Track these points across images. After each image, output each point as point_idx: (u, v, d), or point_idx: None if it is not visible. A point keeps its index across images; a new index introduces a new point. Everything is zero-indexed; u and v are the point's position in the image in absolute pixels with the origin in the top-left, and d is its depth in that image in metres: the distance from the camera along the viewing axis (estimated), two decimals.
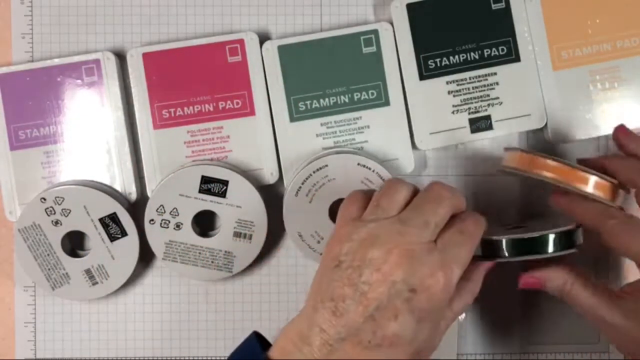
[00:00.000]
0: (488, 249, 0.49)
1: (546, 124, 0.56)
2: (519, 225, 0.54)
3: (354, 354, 0.43)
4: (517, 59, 0.56)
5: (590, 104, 0.57)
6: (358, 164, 0.54)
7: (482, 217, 0.47)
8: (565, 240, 0.49)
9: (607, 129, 0.56)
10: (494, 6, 0.56)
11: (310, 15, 0.58)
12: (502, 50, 0.56)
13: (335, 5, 0.58)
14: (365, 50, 0.56)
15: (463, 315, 0.58)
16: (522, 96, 0.56)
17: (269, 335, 0.57)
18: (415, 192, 0.47)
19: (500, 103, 0.57)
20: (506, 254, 0.49)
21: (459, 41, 0.56)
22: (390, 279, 0.43)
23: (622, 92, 0.57)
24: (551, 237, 0.48)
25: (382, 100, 0.56)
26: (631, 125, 0.56)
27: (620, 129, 0.52)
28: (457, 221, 0.46)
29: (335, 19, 0.58)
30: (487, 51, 0.56)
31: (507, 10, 0.56)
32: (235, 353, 0.47)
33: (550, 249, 0.48)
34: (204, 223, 0.57)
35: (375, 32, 0.56)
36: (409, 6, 0.56)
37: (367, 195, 0.48)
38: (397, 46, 0.57)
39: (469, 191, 0.58)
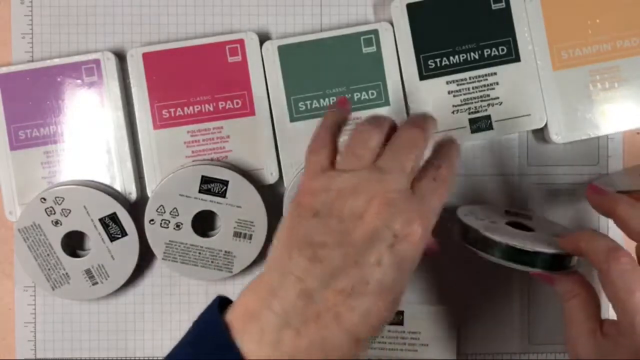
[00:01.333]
0: (481, 243, 0.49)
1: (546, 124, 0.56)
2: (521, 213, 0.54)
3: (336, 304, 0.40)
4: (517, 59, 0.56)
5: (590, 104, 0.57)
6: None
7: (455, 153, 0.46)
8: (559, 262, 0.49)
9: (607, 129, 0.56)
10: (494, 6, 0.56)
11: (310, 15, 0.58)
12: (502, 50, 0.56)
13: (335, 5, 0.58)
14: (365, 50, 0.56)
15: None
16: (522, 96, 0.56)
17: None
18: (389, 130, 0.46)
19: (500, 103, 0.57)
20: (496, 256, 0.49)
21: (459, 41, 0.56)
22: (372, 226, 0.41)
23: (622, 92, 0.57)
24: (549, 256, 0.48)
25: (382, 100, 0.56)
26: (631, 125, 0.57)
27: (590, 189, 0.51)
28: (431, 168, 0.45)
29: (335, 19, 0.58)
30: (487, 51, 0.57)
31: (507, 10, 0.56)
32: (195, 321, 0.44)
33: (544, 266, 0.49)
34: (204, 223, 0.57)
35: (375, 32, 0.56)
36: (409, 6, 0.56)
37: (334, 135, 0.46)
38: (397, 46, 0.57)
39: (468, 191, 0.58)
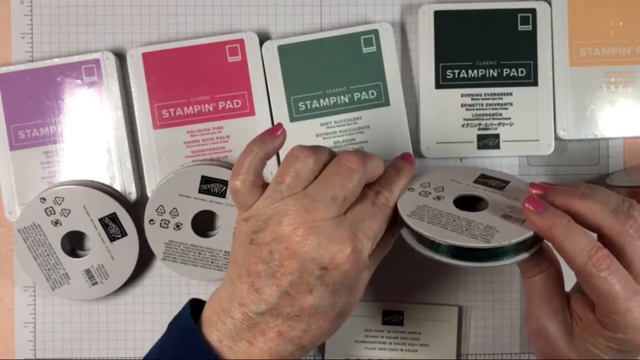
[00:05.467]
0: (425, 243, 0.45)
1: (554, 118, 0.56)
2: (496, 178, 0.49)
3: (276, 325, 0.44)
4: (535, 83, 0.56)
5: (601, 104, 0.57)
6: None
7: (399, 182, 0.46)
8: (521, 248, 0.44)
9: (615, 133, 0.57)
10: (520, 27, 0.56)
11: (310, 15, 0.58)
12: (522, 72, 0.56)
13: (335, 5, 0.58)
14: (365, 50, 0.56)
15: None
16: (534, 121, 0.56)
17: None
18: (326, 158, 0.45)
19: (511, 124, 0.57)
20: (443, 257, 0.44)
21: (480, 56, 0.56)
22: (299, 257, 0.42)
23: (635, 98, 0.57)
24: (505, 248, 0.43)
25: (382, 100, 0.56)
26: (639, 132, 0.57)
27: (529, 202, 0.44)
28: (370, 193, 0.45)
29: (335, 19, 0.58)
30: (506, 70, 0.56)
31: (533, 34, 0.56)
32: (171, 322, 0.47)
33: (500, 261, 0.44)
34: (204, 223, 0.57)
35: (375, 32, 0.56)
36: (437, 13, 0.56)
37: (258, 165, 0.45)
38: (419, 51, 0.57)
39: None
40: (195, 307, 0.47)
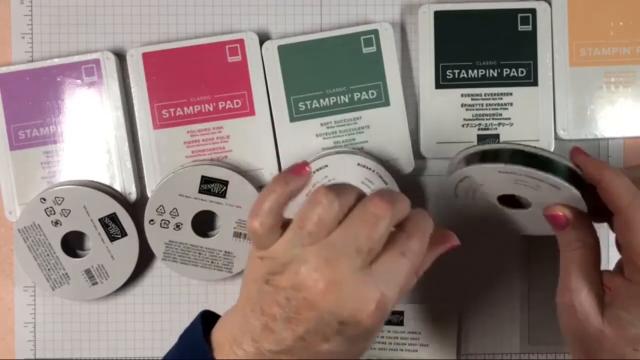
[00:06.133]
0: (490, 155, 0.45)
1: (554, 118, 0.56)
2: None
3: None
4: (535, 83, 0.56)
5: (602, 104, 0.57)
6: (358, 164, 0.54)
7: (428, 226, 0.43)
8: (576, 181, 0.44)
9: (615, 132, 0.57)
10: (520, 27, 0.56)
11: (310, 15, 0.58)
12: (522, 72, 0.56)
13: (335, 5, 0.58)
14: (365, 50, 0.56)
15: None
16: (534, 121, 0.56)
17: None
18: (352, 201, 0.41)
19: (511, 124, 0.57)
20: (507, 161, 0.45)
21: (480, 56, 0.56)
22: (318, 309, 0.39)
23: (635, 98, 0.57)
24: (559, 164, 0.44)
25: (382, 100, 0.56)
26: (638, 131, 0.57)
27: (576, 150, 0.46)
28: (400, 240, 0.41)
29: (335, 19, 0.58)
30: (506, 71, 0.56)
31: (533, 34, 0.56)
32: (181, 336, 0.45)
33: (552, 175, 0.44)
34: (204, 223, 0.57)
35: (375, 32, 0.56)
36: (437, 13, 0.56)
37: (280, 206, 0.42)
38: (419, 51, 0.57)
39: None
40: (206, 319, 0.45)
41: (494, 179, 0.47)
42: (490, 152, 0.46)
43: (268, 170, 0.56)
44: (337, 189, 0.41)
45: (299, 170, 0.43)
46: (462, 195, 0.50)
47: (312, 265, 0.40)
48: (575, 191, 0.44)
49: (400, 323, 0.58)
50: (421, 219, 0.43)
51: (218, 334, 0.44)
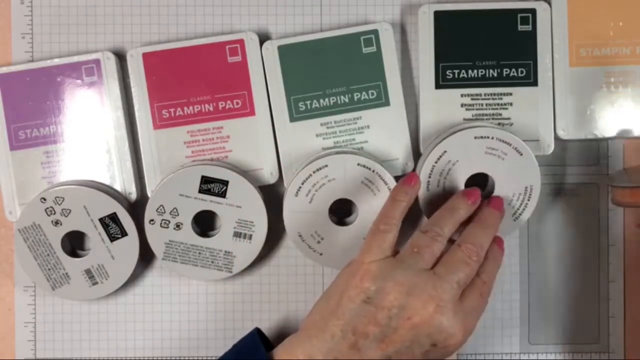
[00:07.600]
0: None
1: (554, 119, 0.56)
2: None
3: None
4: (535, 83, 0.56)
5: (602, 105, 0.57)
6: (358, 164, 0.54)
7: (497, 268, 0.49)
8: None
9: (612, 133, 0.57)
10: (520, 27, 0.56)
11: (310, 15, 0.58)
12: (522, 72, 0.56)
13: (335, 5, 0.58)
14: (365, 50, 0.56)
15: None
16: (534, 121, 0.56)
17: (268, 335, 0.57)
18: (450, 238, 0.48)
19: (511, 124, 0.57)
20: None
21: (480, 56, 0.56)
22: (419, 330, 0.44)
23: (635, 98, 0.57)
24: None
25: (382, 100, 0.56)
26: (638, 132, 0.57)
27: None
28: (478, 284, 0.48)
29: (335, 19, 0.58)
30: (506, 71, 0.56)
31: (533, 34, 0.56)
32: (237, 349, 0.48)
33: None
34: (204, 223, 0.57)
35: (375, 32, 0.56)
36: (437, 13, 0.56)
37: (401, 219, 0.49)
38: (419, 51, 0.57)
39: None
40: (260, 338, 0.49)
41: (468, 151, 0.53)
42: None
43: (268, 170, 0.56)
44: (453, 219, 0.49)
45: (410, 181, 0.51)
46: (434, 183, 0.54)
47: (421, 288, 0.45)
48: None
49: None
50: (495, 268, 0.50)
51: (282, 355, 0.46)
